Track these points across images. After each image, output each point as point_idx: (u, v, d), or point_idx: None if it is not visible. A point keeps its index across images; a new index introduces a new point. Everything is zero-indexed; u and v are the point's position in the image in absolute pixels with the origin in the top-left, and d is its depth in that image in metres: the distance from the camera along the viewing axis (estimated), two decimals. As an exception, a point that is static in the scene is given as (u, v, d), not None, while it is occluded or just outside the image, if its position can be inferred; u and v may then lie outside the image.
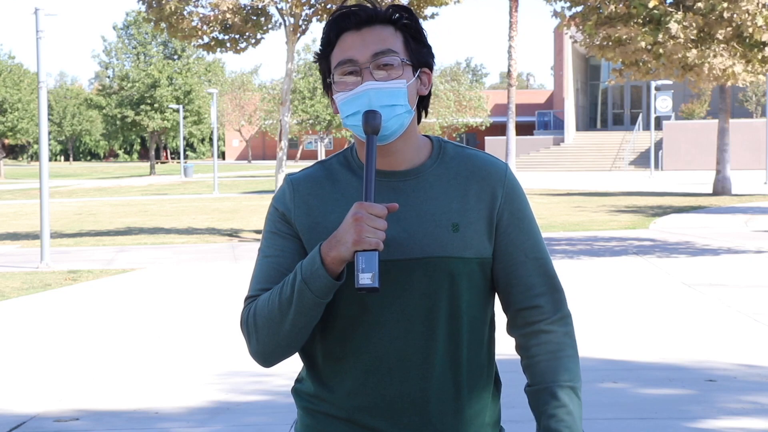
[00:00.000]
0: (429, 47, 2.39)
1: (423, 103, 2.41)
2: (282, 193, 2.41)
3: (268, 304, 2.28)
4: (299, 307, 2.24)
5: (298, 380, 2.48)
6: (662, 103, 50.61)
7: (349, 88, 2.30)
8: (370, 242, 2.15)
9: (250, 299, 2.36)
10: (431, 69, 2.40)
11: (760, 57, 22.41)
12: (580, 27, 23.40)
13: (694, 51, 21.83)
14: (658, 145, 58.52)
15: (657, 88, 52.21)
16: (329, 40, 2.35)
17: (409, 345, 2.31)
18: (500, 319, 2.47)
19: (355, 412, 2.35)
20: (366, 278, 2.15)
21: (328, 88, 2.39)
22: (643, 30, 21.79)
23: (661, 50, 21.88)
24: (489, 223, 2.37)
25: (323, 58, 2.37)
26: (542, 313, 2.40)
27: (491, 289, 2.42)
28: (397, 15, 2.34)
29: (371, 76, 2.29)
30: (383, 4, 2.37)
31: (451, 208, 2.34)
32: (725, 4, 21.36)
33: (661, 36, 21.48)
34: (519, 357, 2.46)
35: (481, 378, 2.40)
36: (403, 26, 2.35)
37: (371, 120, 2.25)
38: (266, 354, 2.32)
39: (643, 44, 21.61)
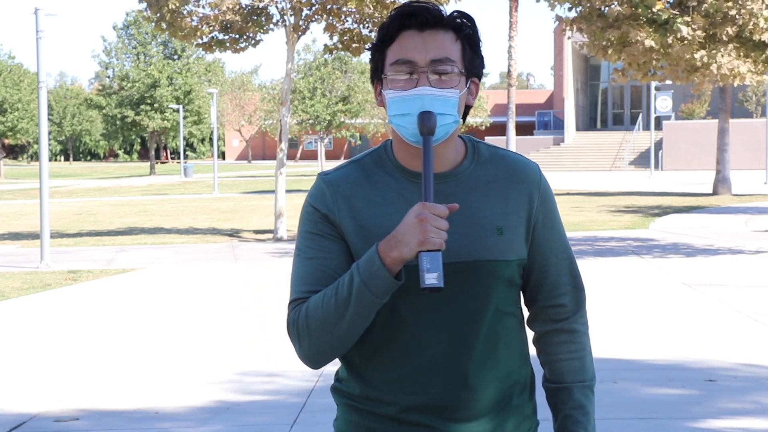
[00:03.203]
0: (482, 58, 2.41)
1: (465, 111, 2.42)
2: (320, 192, 2.39)
3: (322, 307, 2.27)
4: (357, 309, 2.24)
5: (337, 379, 2.49)
6: (662, 103, 50.63)
7: (402, 88, 2.31)
8: (434, 242, 2.16)
9: (296, 302, 2.35)
10: (480, 79, 2.42)
11: (762, 57, 22.43)
12: (583, 29, 23.38)
13: (702, 52, 21.83)
14: (658, 145, 58.54)
15: (657, 88, 52.23)
16: (389, 35, 2.34)
17: (456, 345, 2.35)
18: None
19: (402, 411, 2.38)
20: (432, 278, 2.16)
21: (377, 80, 2.39)
22: (651, 30, 21.78)
23: (669, 51, 21.87)
24: (527, 226, 2.42)
25: (379, 50, 2.37)
26: (566, 312, 2.49)
27: (521, 286, 2.49)
28: (460, 23, 2.35)
29: (427, 81, 2.30)
30: (445, 7, 2.37)
31: (494, 211, 2.38)
32: (730, 3, 21.38)
33: (670, 38, 21.48)
34: (536, 349, 2.53)
35: (522, 372, 2.46)
36: (464, 35, 2.35)
37: (427, 121, 2.26)
38: (318, 356, 2.33)
39: (652, 44, 21.60)
